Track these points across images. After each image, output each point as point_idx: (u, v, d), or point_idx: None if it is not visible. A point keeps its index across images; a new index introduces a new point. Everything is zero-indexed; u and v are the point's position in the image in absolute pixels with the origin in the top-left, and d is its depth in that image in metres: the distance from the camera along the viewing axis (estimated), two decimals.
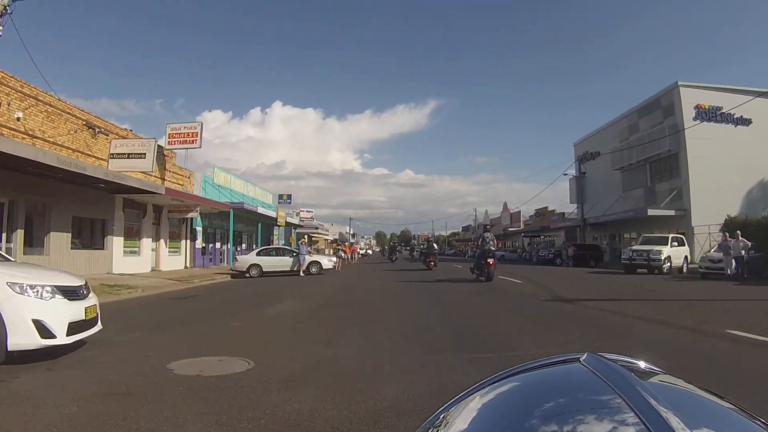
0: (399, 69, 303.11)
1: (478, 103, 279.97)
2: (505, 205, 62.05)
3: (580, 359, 0.73)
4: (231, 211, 23.38)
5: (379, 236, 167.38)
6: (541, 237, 49.29)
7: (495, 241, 15.03)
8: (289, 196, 35.42)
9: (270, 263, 18.74)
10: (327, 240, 79.40)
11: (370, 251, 68.90)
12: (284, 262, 18.93)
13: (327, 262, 19.68)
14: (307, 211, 48.37)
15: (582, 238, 33.88)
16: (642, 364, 0.76)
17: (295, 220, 37.89)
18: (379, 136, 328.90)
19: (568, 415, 0.59)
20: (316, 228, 45.93)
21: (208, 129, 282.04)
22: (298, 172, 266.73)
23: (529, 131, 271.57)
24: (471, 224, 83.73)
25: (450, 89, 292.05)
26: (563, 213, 45.25)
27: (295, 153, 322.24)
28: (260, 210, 26.03)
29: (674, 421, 0.49)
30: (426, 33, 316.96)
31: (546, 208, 48.63)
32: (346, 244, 34.88)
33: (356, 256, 35.21)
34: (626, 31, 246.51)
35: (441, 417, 0.72)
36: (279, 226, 30.99)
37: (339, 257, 24.84)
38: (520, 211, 56.10)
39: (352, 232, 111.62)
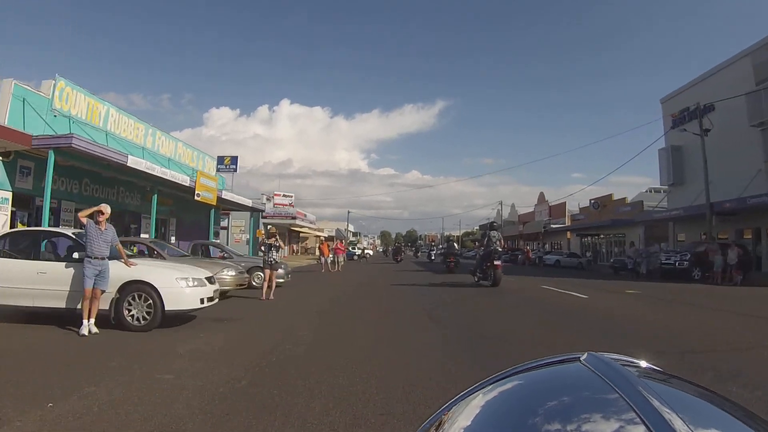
0: (408, 68, 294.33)
1: (487, 105, 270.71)
2: (542, 196, 49.01)
3: (581, 359, 0.71)
4: (50, 153, 10.75)
5: (384, 236, 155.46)
6: (600, 235, 36.27)
7: (502, 241, 13.58)
8: (234, 160, 22.28)
9: (12, 281, 6.02)
10: (321, 237, 66.84)
11: (370, 251, 55.89)
12: (56, 281, 5.97)
13: (187, 286, 6.12)
14: (284, 196, 35.69)
15: (708, 235, 20.85)
16: (643, 364, 0.74)
17: (262, 206, 25.21)
18: (387, 135, 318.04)
19: (570, 414, 0.58)
20: (294, 218, 33.32)
21: (215, 126, 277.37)
22: (304, 170, 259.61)
23: (538, 134, 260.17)
24: (493, 222, 70.80)
25: (458, 90, 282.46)
26: (641, 201, 32.23)
27: (302, 151, 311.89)
28: (133, 162, 13.03)
29: (677, 421, 0.48)
30: (435, 33, 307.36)
31: (610, 196, 35.57)
32: (323, 239, 21.87)
33: (341, 258, 22.48)
34: (638, 34, 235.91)
35: (443, 415, 0.71)
36: (205, 203, 18.24)
37: (270, 265, 10.84)
38: (565, 203, 43.07)
39: (352, 230, 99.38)
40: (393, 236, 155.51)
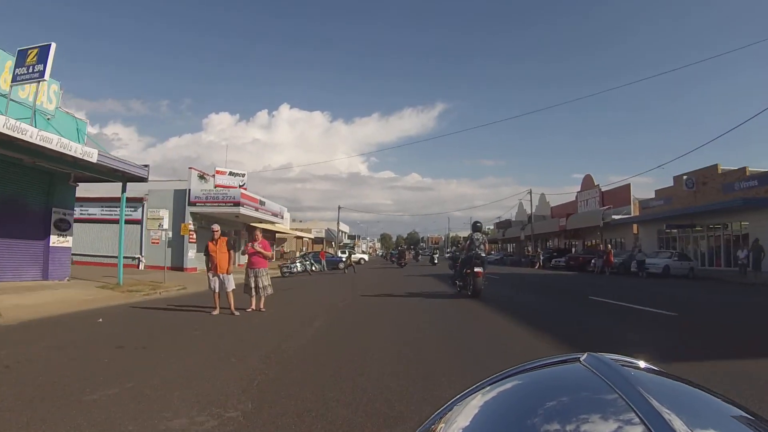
0: (407, 72, 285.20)
1: (486, 106, 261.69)
2: (589, 179, 37.42)
3: (580, 359, 0.71)
4: None
5: (385, 238, 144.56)
6: (696, 227, 24.78)
7: (487, 244, 11.58)
8: (43, 54, 10.54)
9: None
10: (306, 239, 55.29)
11: (365, 256, 43.76)
12: None
13: None
14: (231, 174, 24.07)
15: None
16: (642, 364, 0.73)
17: (139, 174, 13.76)
18: (386, 139, 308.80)
19: (569, 415, 0.58)
20: (237, 204, 21.49)
21: (215, 131, 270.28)
22: (304, 174, 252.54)
23: (537, 135, 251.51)
24: (511, 218, 59.18)
25: (458, 92, 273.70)
26: None
27: (302, 156, 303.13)
28: None
29: (677, 422, 0.47)
30: (435, 36, 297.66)
31: (715, 167, 24.07)
32: (216, 232, 8.93)
33: (263, 280, 8.47)
34: (635, 34, 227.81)
35: (443, 415, 0.70)
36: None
37: None
38: (629, 186, 31.62)
39: (347, 231, 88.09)
40: (394, 239, 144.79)
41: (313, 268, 24.77)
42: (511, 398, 0.70)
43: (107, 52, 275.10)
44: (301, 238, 48.79)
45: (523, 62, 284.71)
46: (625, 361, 0.72)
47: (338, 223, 50.74)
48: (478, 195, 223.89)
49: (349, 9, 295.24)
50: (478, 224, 11.76)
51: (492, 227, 79.95)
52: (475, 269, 10.53)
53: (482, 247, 11.02)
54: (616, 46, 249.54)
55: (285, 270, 20.58)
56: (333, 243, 51.73)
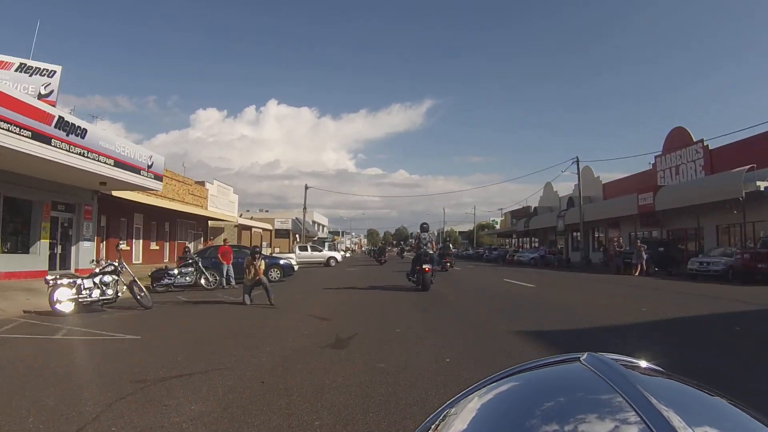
0: (395, 67, 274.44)
1: (475, 103, 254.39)
2: (684, 134, 24.49)
3: (580, 359, 0.71)
4: None
5: (371, 234, 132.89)
6: None
7: (434, 242, 13.29)
8: None
9: None
10: (258, 230, 41.82)
11: (336, 255, 29.73)
12: None
13: None
14: (22, 70, 10.30)
15: None
16: (642, 363, 0.73)
17: None
18: (374, 135, 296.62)
19: (569, 415, 0.58)
20: (84, 158, 6.83)
21: (202, 128, 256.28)
22: (292, 171, 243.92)
23: (526, 131, 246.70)
24: (533, 204, 46.42)
25: (446, 88, 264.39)
26: None
27: (289, 152, 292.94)
28: None
29: (676, 420, 0.48)
30: (423, 32, 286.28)
31: None
32: None
33: None
34: (625, 31, 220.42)
35: (440, 417, 0.70)
36: None
37: None
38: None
39: (326, 224, 74.70)
40: (381, 235, 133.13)
41: (203, 281, 11.57)
42: (509, 399, 0.68)
43: (94, 52, 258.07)
44: (251, 228, 35.17)
45: (513, 59, 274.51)
46: (625, 361, 0.70)
47: (304, 209, 36.90)
48: (466, 191, 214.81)
49: (336, 4, 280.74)
50: (425, 225, 12.88)
51: (501, 219, 67.40)
52: (424, 266, 11.59)
53: (429, 245, 12.25)
54: (608, 42, 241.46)
55: (82, 295, 7.24)
56: (298, 236, 38.46)
